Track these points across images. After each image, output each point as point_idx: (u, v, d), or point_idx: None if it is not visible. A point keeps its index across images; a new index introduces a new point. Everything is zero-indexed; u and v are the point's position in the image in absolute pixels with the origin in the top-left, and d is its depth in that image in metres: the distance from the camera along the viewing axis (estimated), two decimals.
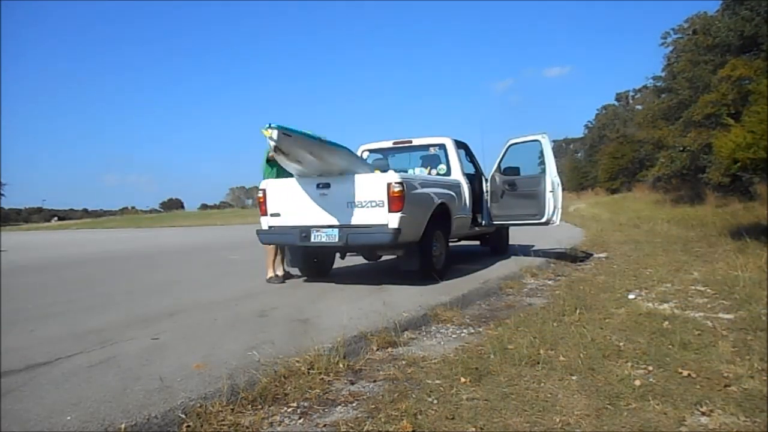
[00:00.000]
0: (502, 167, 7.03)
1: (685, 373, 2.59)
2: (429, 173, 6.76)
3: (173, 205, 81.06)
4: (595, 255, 8.17)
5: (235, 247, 12.07)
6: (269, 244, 5.76)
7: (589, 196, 41.68)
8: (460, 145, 7.13)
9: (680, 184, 23.12)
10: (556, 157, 6.97)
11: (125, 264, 9.43)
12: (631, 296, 4.61)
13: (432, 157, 7.06)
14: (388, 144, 7.33)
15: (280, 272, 5.89)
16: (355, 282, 5.77)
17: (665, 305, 4.19)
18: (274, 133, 4.33)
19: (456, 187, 6.36)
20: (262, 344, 3.20)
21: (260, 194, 5.68)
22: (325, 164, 5.04)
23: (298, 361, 2.84)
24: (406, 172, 6.53)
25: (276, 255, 5.83)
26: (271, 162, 5.58)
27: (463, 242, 7.99)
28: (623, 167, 41.48)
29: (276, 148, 4.52)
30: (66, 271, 8.33)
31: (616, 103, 54.25)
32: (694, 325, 3.51)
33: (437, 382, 2.63)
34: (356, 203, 5.08)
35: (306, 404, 2.43)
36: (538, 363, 2.80)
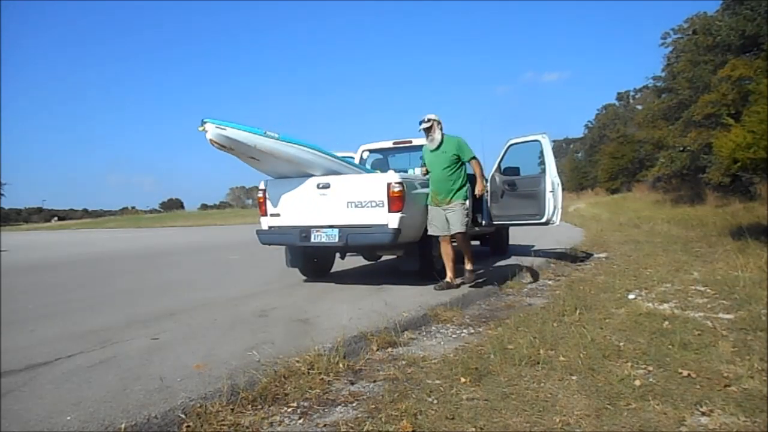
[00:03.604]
0: (502, 167, 7.01)
1: (685, 373, 2.59)
2: None
3: (173, 205, 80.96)
4: (595, 255, 8.17)
5: (235, 247, 12.08)
6: (268, 244, 5.76)
7: (589, 196, 41.67)
8: None
9: (680, 184, 23.13)
10: (556, 157, 6.95)
11: (125, 264, 9.43)
12: (631, 296, 4.61)
13: None
14: (389, 144, 7.33)
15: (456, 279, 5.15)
16: (355, 282, 5.77)
17: (665, 305, 4.19)
18: (207, 126, 4.46)
19: None
20: (262, 344, 3.20)
21: (260, 194, 5.68)
22: (287, 162, 5.05)
23: (298, 361, 2.84)
24: (406, 172, 6.53)
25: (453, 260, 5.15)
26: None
27: None
28: (623, 167, 41.48)
29: (215, 143, 4.58)
30: (66, 271, 8.33)
31: (616, 103, 54.30)
32: (694, 325, 3.50)
33: (437, 382, 2.63)
34: (356, 203, 5.08)
35: (306, 404, 2.42)
36: (538, 363, 2.80)
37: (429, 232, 5.20)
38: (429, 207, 5.19)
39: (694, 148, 18.74)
